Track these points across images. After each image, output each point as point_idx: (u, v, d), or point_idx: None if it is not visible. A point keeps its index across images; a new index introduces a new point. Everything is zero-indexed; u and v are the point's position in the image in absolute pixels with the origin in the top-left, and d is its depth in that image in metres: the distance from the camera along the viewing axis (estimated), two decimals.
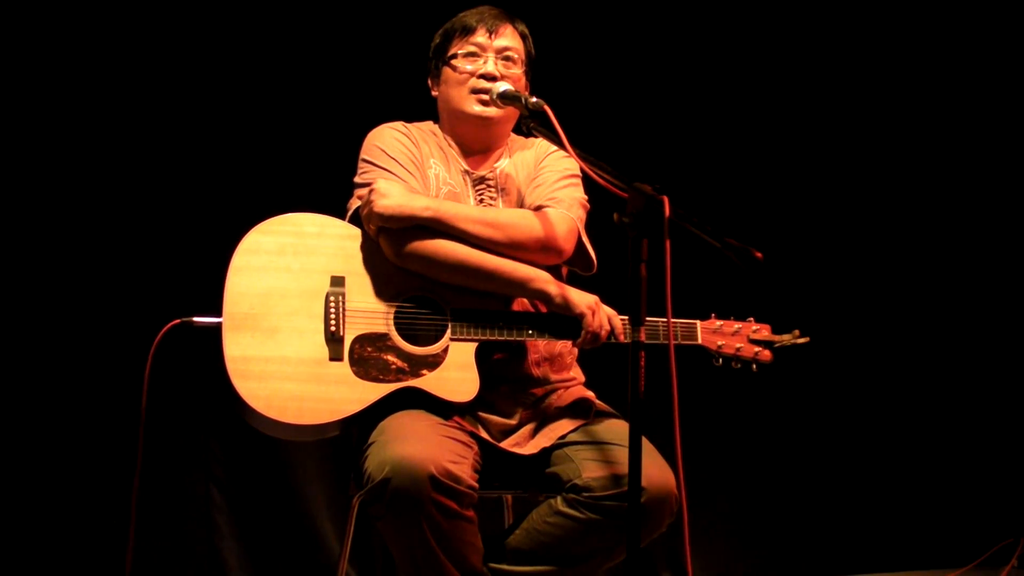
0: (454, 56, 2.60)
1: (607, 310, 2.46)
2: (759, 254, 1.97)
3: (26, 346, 3.38)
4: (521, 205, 2.61)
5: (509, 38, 2.60)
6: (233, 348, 2.35)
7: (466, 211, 2.47)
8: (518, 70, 2.60)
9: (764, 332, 2.63)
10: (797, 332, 2.63)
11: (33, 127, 3.42)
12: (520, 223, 2.47)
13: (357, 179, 2.56)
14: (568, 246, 2.52)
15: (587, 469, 2.39)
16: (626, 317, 2.43)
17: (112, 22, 3.49)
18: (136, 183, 3.51)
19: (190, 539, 3.54)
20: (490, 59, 2.57)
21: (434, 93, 2.68)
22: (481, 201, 2.60)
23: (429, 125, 2.69)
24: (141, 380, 2.46)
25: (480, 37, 2.58)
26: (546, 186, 2.59)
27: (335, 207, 2.55)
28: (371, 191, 2.42)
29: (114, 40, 3.49)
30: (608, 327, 2.44)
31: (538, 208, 2.54)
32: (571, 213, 2.54)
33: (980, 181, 4.42)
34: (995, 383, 4.37)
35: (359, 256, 2.46)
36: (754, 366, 2.62)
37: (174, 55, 3.56)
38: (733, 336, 2.60)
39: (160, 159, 3.54)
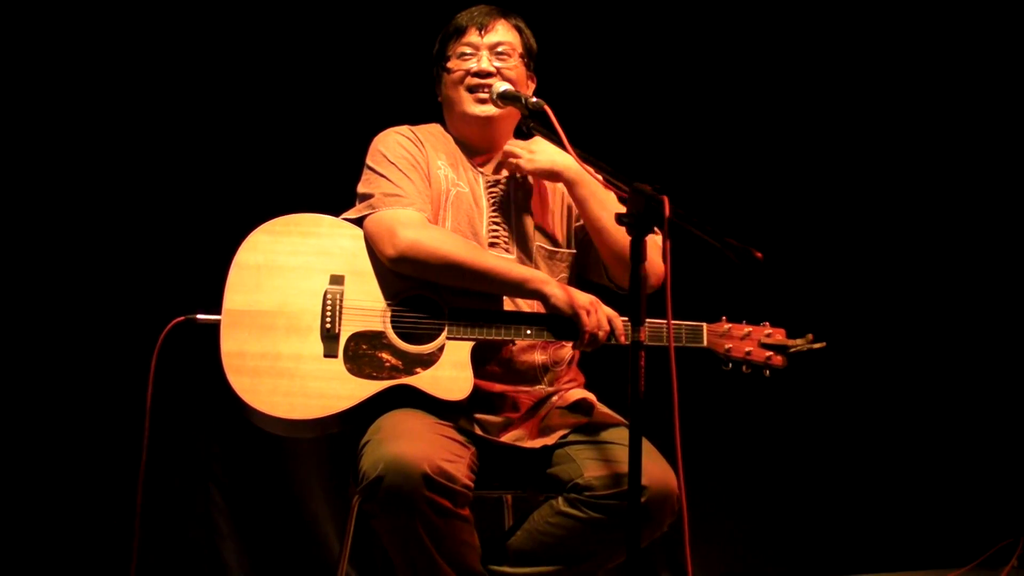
0: (449, 58, 2.61)
1: (607, 311, 2.45)
2: (759, 254, 1.96)
3: (32, 343, 3.39)
4: (542, 214, 2.62)
5: (501, 33, 2.61)
6: (229, 343, 2.37)
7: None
8: (513, 62, 2.60)
9: (778, 336, 2.58)
10: (811, 336, 2.57)
11: (40, 126, 3.44)
12: None
13: (360, 187, 2.55)
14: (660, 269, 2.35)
15: (589, 468, 2.40)
16: (627, 318, 2.43)
17: (121, 21, 3.50)
18: (143, 182, 3.53)
19: (190, 539, 3.54)
20: (483, 56, 2.58)
21: (440, 99, 2.70)
22: (493, 203, 2.59)
23: (437, 127, 2.69)
24: (144, 377, 2.47)
25: (472, 36, 2.59)
26: None
27: (338, 208, 2.56)
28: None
29: (122, 41, 3.51)
30: (607, 328, 2.43)
31: None
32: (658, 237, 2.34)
33: (984, 184, 4.43)
34: (995, 384, 4.37)
35: (360, 256, 2.47)
36: (766, 371, 2.56)
37: (181, 56, 3.58)
38: (743, 340, 2.55)
39: (166, 159, 3.56)
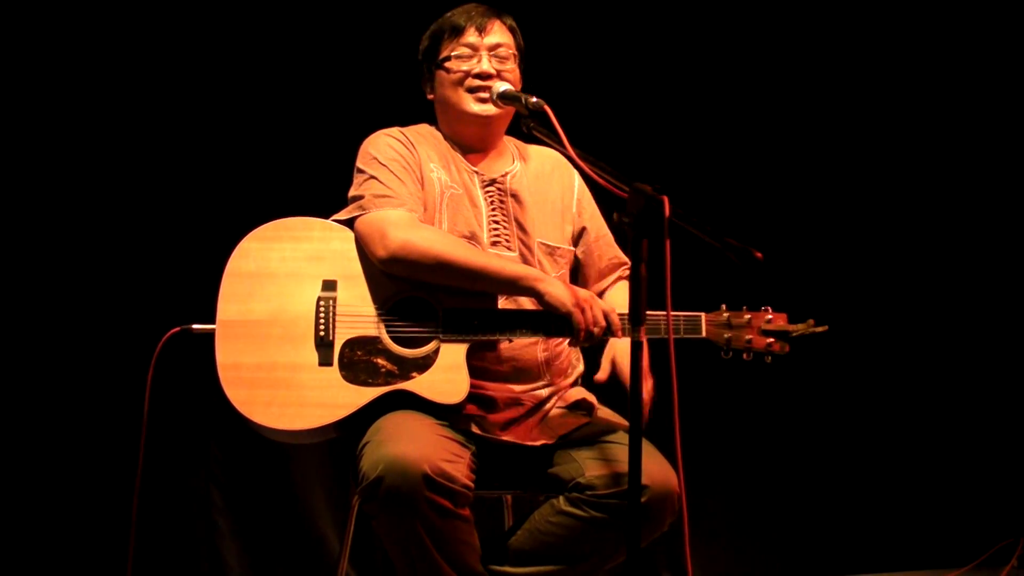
0: (447, 58, 2.59)
1: (603, 306, 2.43)
2: (759, 254, 1.96)
3: (31, 354, 3.39)
4: (541, 212, 2.63)
5: (499, 34, 2.60)
6: (225, 355, 2.36)
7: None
8: (511, 64, 2.60)
9: (779, 322, 2.53)
10: (812, 321, 2.54)
11: (35, 138, 3.43)
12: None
13: (351, 190, 2.54)
14: None
15: (590, 468, 2.40)
16: (625, 313, 2.43)
17: (109, 32, 3.48)
18: (136, 192, 3.52)
19: (191, 540, 3.54)
20: (483, 58, 2.56)
21: (430, 97, 2.67)
22: (491, 202, 2.59)
23: (428, 128, 2.67)
24: (143, 386, 2.47)
25: (471, 37, 2.58)
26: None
27: (329, 212, 2.55)
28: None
29: (111, 51, 3.49)
30: (603, 324, 2.40)
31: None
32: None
33: (987, 174, 4.42)
34: (995, 383, 4.37)
35: (352, 259, 2.45)
36: (768, 358, 2.53)
37: (172, 65, 3.56)
38: (742, 328, 2.52)
39: (159, 167, 3.55)
